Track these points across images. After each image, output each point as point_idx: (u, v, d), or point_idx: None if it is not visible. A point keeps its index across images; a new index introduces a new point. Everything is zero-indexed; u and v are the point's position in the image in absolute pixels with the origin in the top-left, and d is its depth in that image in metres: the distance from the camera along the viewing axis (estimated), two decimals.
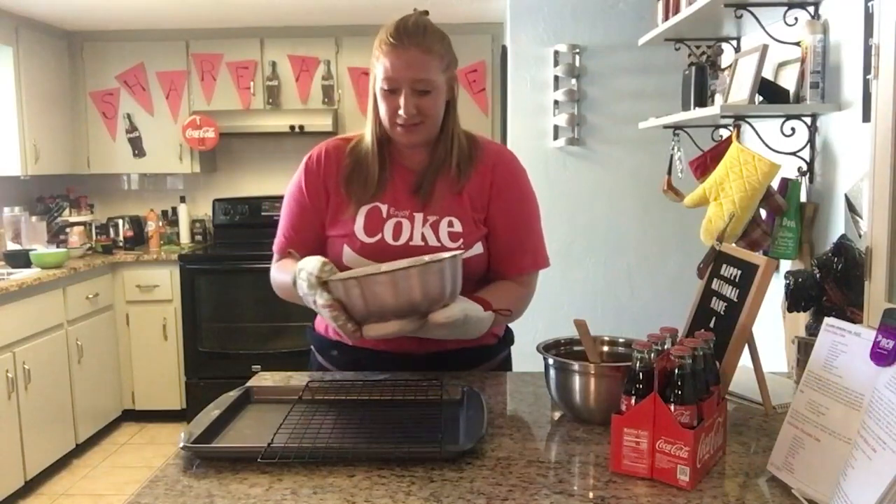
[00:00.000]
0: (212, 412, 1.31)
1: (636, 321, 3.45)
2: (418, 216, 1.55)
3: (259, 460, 1.12)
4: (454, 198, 1.56)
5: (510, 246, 1.60)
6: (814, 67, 2.07)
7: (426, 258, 1.44)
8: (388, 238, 1.54)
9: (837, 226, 2.08)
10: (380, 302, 1.31)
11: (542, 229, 1.67)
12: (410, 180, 1.58)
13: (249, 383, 1.53)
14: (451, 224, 1.54)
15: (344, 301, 1.33)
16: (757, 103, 2.19)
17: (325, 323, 1.66)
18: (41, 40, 4.33)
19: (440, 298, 1.34)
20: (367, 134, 1.58)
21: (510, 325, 1.73)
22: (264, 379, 1.59)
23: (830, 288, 1.78)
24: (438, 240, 1.54)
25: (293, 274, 1.42)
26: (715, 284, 1.44)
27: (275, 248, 1.67)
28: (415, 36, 1.46)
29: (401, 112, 1.47)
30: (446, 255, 1.39)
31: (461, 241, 1.54)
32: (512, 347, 1.76)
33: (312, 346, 1.74)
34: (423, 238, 1.54)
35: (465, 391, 1.39)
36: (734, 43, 2.79)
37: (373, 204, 1.56)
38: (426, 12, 1.54)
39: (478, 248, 1.57)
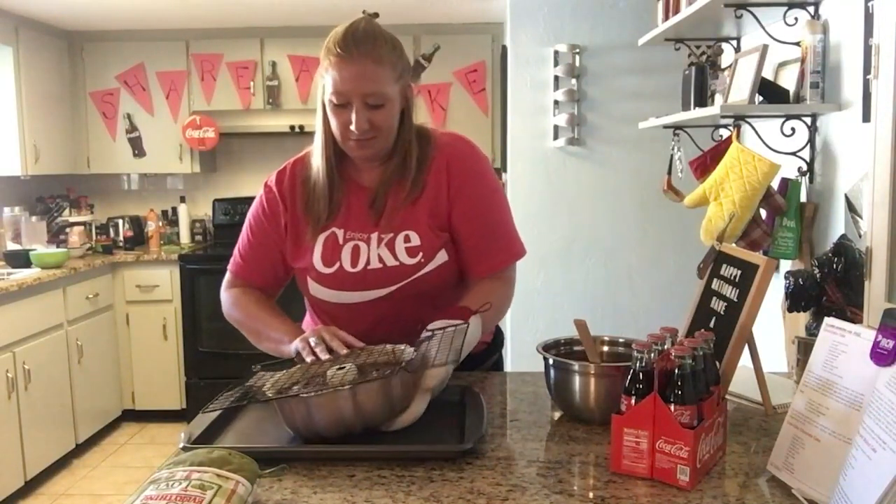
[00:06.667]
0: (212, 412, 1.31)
1: (636, 321, 3.45)
2: (374, 236, 1.46)
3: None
4: (408, 209, 1.46)
5: (480, 247, 1.50)
6: (814, 67, 2.07)
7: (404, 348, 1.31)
8: (347, 265, 1.46)
9: (837, 226, 2.08)
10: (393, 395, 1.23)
11: (511, 214, 1.56)
12: (365, 198, 1.48)
13: (249, 383, 1.53)
14: (407, 239, 1.45)
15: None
16: (757, 103, 2.19)
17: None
18: (41, 40, 4.33)
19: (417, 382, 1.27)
20: (316, 152, 1.47)
21: (500, 325, 1.67)
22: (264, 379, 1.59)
23: (830, 288, 1.78)
24: (396, 258, 1.46)
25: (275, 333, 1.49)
26: (715, 284, 1.43)
27: (230, 266, 1.61)
28: (364, 45, 1.36)
29: (352, 127, 1.37)
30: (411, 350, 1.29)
31: (420, 254, 1.45)
32: (509, 348, 1.74)
33: None
34: (381, 259, 1.46)
35: (466, 391, 1.39)
36: (734, 43, 2.79)
37: (329, 230, 1.48)
38: (376, 14, 1.44)
39: (441, 258, 1.48)
